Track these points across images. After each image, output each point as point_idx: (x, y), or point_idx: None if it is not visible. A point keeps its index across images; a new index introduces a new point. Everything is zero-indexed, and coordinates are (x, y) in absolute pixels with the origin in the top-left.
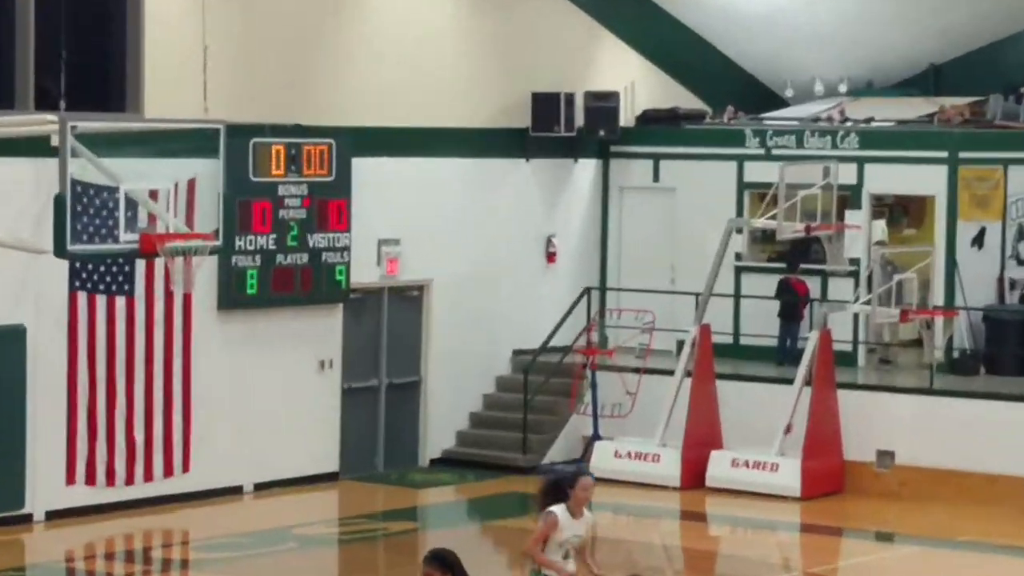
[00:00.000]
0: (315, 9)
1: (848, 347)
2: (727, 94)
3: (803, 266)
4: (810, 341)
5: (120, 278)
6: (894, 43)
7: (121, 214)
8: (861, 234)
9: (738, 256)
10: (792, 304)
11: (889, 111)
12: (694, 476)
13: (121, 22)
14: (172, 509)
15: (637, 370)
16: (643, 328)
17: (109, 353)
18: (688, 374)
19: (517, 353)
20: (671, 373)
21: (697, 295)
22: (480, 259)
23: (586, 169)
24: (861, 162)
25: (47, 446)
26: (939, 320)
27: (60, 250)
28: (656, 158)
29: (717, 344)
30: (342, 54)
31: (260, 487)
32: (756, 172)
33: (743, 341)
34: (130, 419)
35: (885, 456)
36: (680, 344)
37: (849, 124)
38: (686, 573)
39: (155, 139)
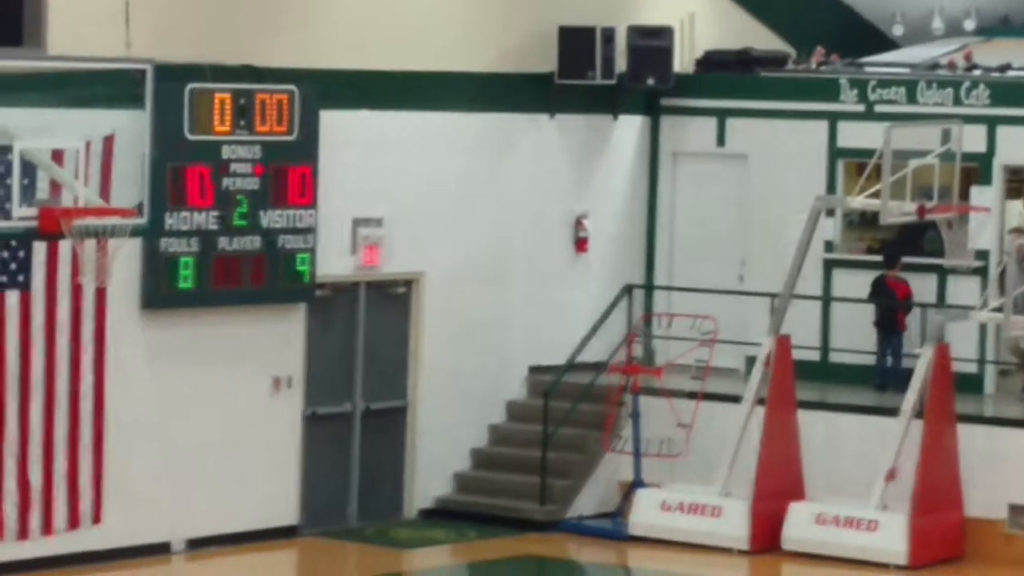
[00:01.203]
0: None
1: (972, 367)
2: (816, 32)
3: (908, 260)
4: (921, 360)
5: (13, 267)
6: None
7: (15, 182)
8: (991, 218)
9: (828, 246)
10: (890, 310)
11: None
12: (767, 536)
13: None
14: (78, 573)
15: (693, 395)
16: (702, 340)
17: None
18: (760, 401)
19: (535, 371)
20: (738, 400)
21: (773, 297)
22: (487, 246)
23: (629, 128)
24: (992, 123)
25: None
26: None
27: None
28: (721, 115)
29: (799, 362)
30: None
31: (194, 544)
32: (853, 135)
33: (833, 358)
34: (24, 454)
35: (1020, 513)
36: (750, 361)
37: (977, 73)
38: None
39: (61, 83)
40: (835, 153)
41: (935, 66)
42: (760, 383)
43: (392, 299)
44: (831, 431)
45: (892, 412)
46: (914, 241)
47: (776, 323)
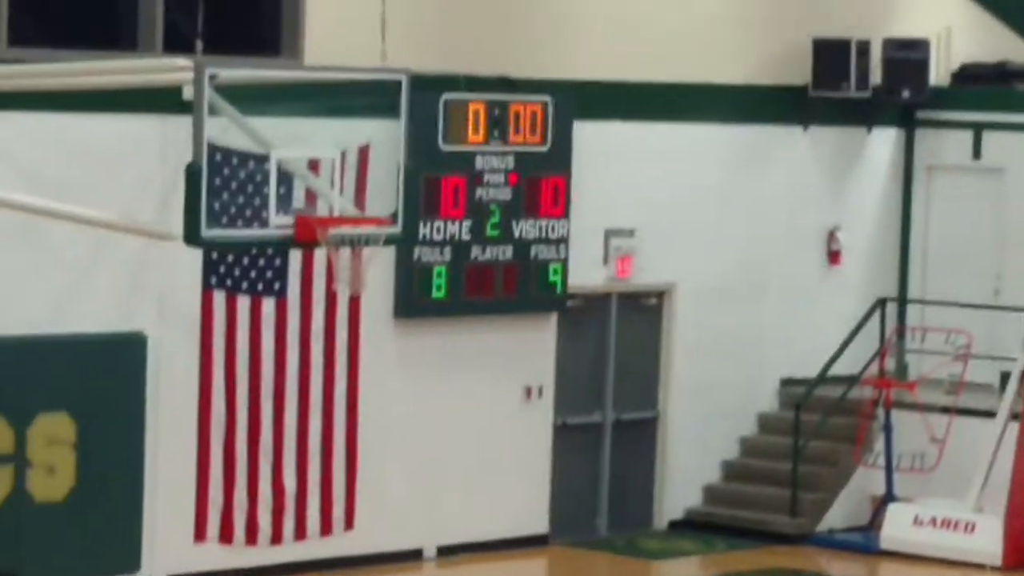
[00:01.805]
0: None
1: None
2: None
3: None
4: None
5: (269, 274)
6: None
7: (272, 191)
8: None
9: None
10: None
11: None
12: (1021, 552)
13: None
14: None
15: (947, 410)
16: (956, 354)
17: (252, 373)
18: (1015, 417)
19: (786, 383)
20: (992, 415)
21: None
22: (740, 258)
23: (883, 141)
24: None
25: (171, 492)
26: None
27: (192, 236)
28: (978, 128)
29: None
30: None
31: (444, 552)
32: None
33: None
34: (278, 460)
35: None
36: (1005, 376)
37: None
38: None
39: (317, 93)
40: None
41: None
42: (1014, 398)
43: (644, 310)
44: None
45: None
46: None
47: None
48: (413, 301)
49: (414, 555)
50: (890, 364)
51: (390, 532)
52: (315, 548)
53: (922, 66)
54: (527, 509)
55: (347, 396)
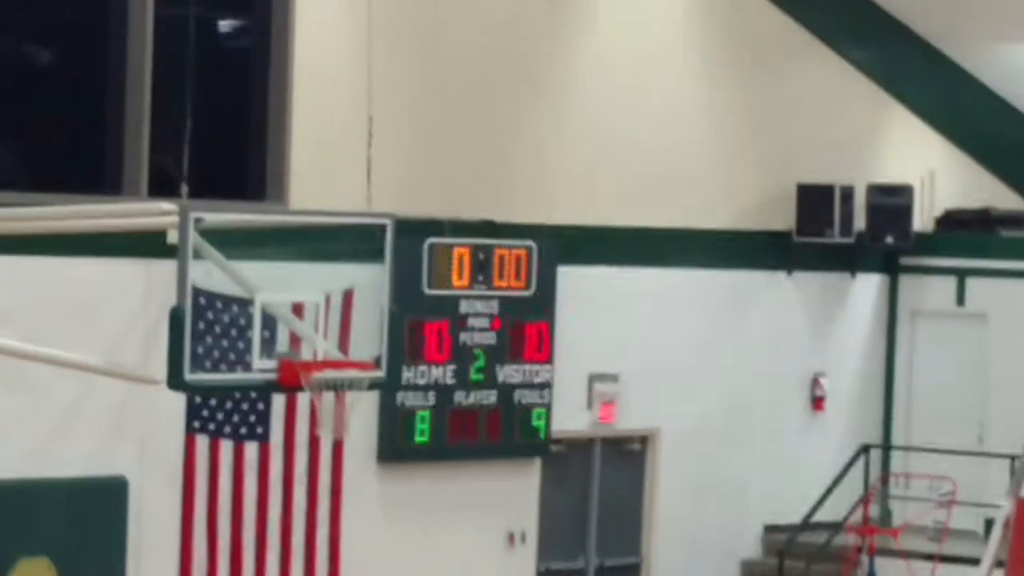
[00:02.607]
0: (514, 74)
1: None
2: None
3: None
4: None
5: (252, 418)
6: None
7: (256, 334)
8: None
9: None
10: None
11: None
12: None
13: (263, 87)
14: None
15: (931, 556)
16: (940, 501)
17: (235, 517)
18: (999, 564)
19: (770, 530)
20: (976, 562)
21: (1014, 459)
22: (724, 404)
23: (867, 287)
24: None
25: None
26: None
27: (176, 380)
28: (961, 274)
29: None
30: (547, 131)
31: None
32: None
33: None
34: None
35: None
36: (989, 524)
37: None
38: None
39: (302, 237)
40: None
41: None
42: (999, 545)
43: (628, 456)
44: None
45: None
46: None
47: (1016, 485)
48: (396, 446)
49: None
50: (874, 511)
51: None
52: None
53: (906, 212)
54: None
55: (329, 541)
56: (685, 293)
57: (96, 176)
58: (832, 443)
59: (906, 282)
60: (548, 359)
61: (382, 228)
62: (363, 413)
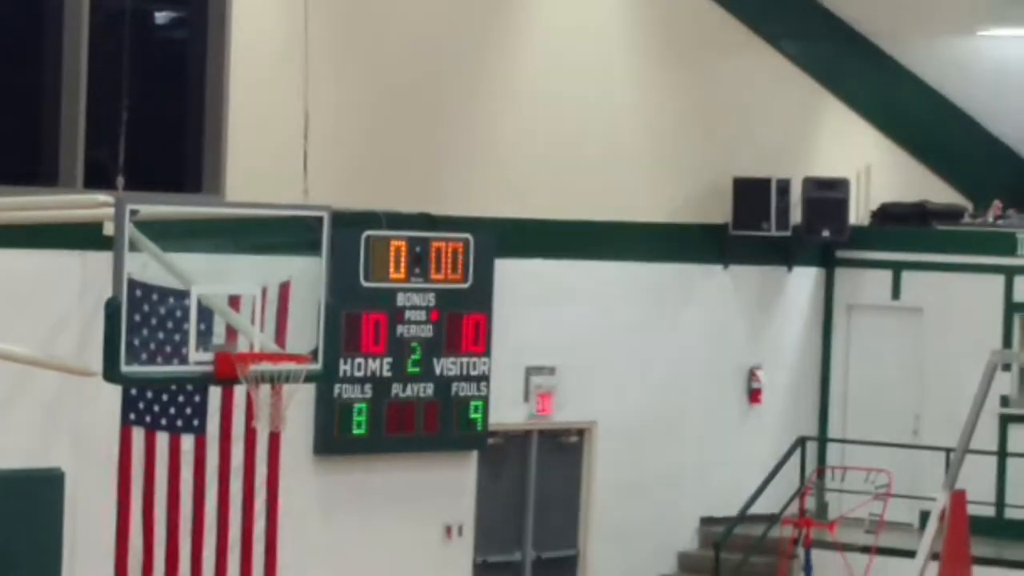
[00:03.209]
0: (451, 68)
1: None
2: (993, 185)
3: None
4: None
5: (188, 411)
6: None
7: (192, 327)
8: None
9: (1004, 401)
10: None
11: None
12: None
13: (199, 78)
14: None
15: (867, 549)
16: (876, 494)
17: (171, 509)
18: (935, 556)
19: (706, 522)
20: (912, 554)
21: (949, 451)
22: (660, 397)
23: (804, 280)
24: None
25: None
26: None
27: (112, 372)
28: (897, 268)
29: (975, 517)
30: (484, 125)
31: None
32: None
33: (1009, 514)
34: None
35: None
36: (925, 516)
37: None
38: None
39: (238, 229)
40: (1011, 308)
41: None
42: (935, 538)
43: (565, 448)
44: None
45: None
46: None
47: (951, 478)
48: (333, 438)
49: None
50: (810, 503)
51: None
52: None
53: (842, 206)
54: None
55: (266, 533)
56: (622, 286)
57: (32, 167)
58: (769, 435)
59: (842, 275)
60: (485, 351)
61: (319, 220)
62: (300, 405)
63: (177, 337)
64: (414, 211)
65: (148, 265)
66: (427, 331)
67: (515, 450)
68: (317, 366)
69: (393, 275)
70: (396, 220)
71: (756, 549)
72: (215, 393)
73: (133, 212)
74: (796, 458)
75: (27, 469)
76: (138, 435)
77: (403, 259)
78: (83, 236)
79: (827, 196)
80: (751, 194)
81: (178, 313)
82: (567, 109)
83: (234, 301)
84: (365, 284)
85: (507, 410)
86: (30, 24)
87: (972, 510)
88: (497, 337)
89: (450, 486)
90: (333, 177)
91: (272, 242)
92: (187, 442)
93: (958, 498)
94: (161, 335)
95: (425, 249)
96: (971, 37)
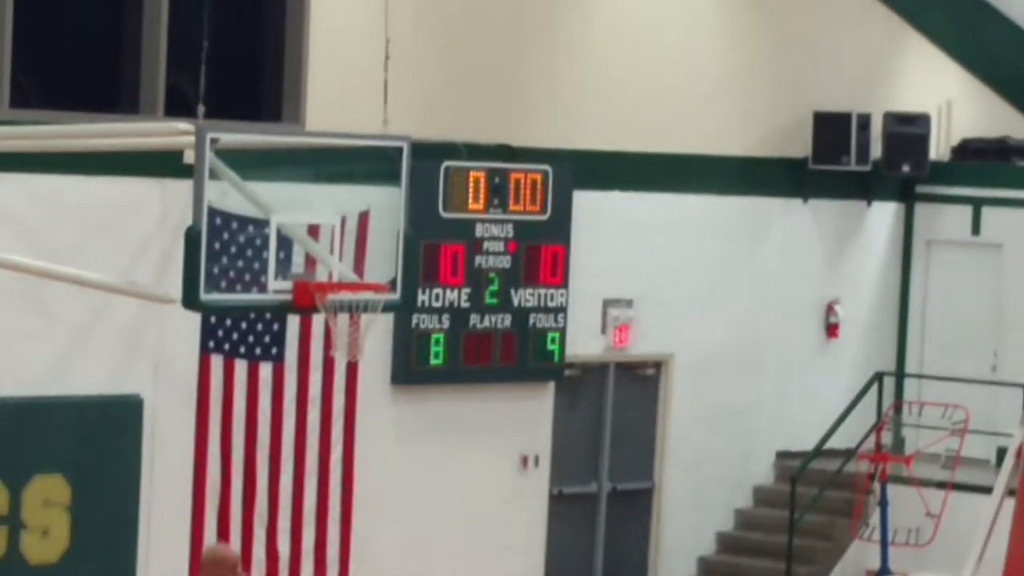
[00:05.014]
0: None
1: None
2: None
3: None
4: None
5: (267, 339)
6: None
7: (271, 256)
8: None
9: None
10: None
11: None
12: None
13: (280, 7)
14: None
15: (943, 485)
16: (953, 429)
17: (248, 437)
18: (1011, 492)
19: (782, 456)
20: (988, 491)
21: None
22: (738, 330)
23: (883, 215)
24: None
25: (165, 555)
26: None
27: (191, 300)
28: (977, 203)
29: None
30: (564, 55)
31: None
32: None
33: None
34: (272, 525)
35: None
36: (1001, 452)
37: None
38: None
39: (318, 159)
40: None
41: None
42: (1011, 474)
43: (642, 381)
44: None
45: None
46: None
47: None
48: (411, 368)
49: None
50: (887, 438)
51: None
52: None
53: (922, 141)
54: None
55: (343, 462)
56: (701, 219)
57: (113, 95)
58: (845, 370)
59: (922, 211)
60: (563, 283)
61: (398, 151)
62: (377, 335)
63: (256, 265)
64: (493, 142)
65: (228, 193)
66: (505, 262)
67: (592, 382)
68: (395, 296)
69: (472, 206)
70: (475, 151)
71: (832, 483)
72: (293, 322)
73: (213, 141)
74: (873, 393)
75: (107, 395)
76: (217, 362)
77: (482, 190)
78: (163, 164)
79: (907, 131)
80: (831, 128)
81: (257, 241)
82: (647, 41)
83: (313, 230)
84: (444, 215)
85: (584, 342)
86: None
87: None
88: (575, 269)
89: (527, 417)
90: (413, 107)
91: (351, 172)
92: (265, 370)
93: None
94: (240, 263)
95: (504, 180)
96: None
